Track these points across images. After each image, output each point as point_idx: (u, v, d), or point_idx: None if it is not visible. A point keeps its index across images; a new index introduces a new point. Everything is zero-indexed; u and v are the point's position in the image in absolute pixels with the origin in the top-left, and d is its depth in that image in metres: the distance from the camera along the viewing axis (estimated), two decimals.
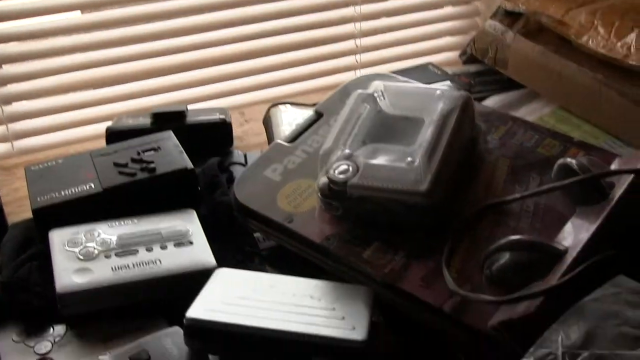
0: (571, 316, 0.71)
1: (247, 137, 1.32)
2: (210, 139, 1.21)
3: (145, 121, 1.21)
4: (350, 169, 0.89)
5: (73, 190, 0.99)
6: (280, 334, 0.76)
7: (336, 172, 0.90)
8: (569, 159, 0.90)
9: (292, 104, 1.31)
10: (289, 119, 1.24)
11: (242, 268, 0.90)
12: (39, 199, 0.99)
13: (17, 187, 1.20)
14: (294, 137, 1.05)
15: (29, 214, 1.00)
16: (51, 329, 0.88)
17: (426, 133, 0.93)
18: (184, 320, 0.78)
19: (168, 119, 1.21)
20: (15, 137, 1.50)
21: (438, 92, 1.00)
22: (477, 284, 0.83)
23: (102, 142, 1.20)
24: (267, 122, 1.28)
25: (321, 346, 0.76)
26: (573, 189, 0.88)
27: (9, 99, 1.50)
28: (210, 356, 0.82)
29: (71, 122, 1.53)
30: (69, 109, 1.54)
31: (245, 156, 1.20)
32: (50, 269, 0.90)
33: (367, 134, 0.95)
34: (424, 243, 0.87)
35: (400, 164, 0.89)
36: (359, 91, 1.03)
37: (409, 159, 0.89)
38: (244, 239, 0.99)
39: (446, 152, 0.90)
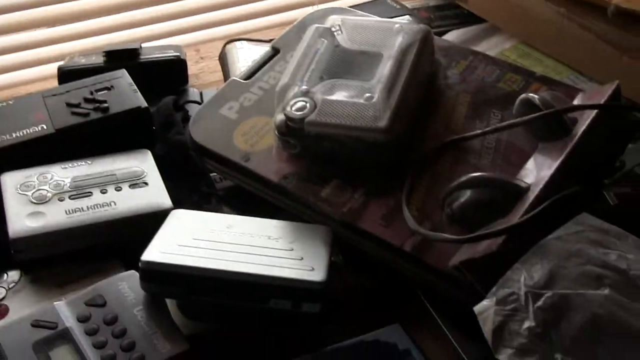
0: (534, 255, 0.71)
1: (202, 75, 1.30)
2: (164, 77, 1.18)
3: (98, 60, 1.18)
4: (308, 105, 0.88)
5: (24, 132, 0.96)
6: (237, 275, 0.75)
7: (293, 109, 0.88)
8: (531, 94, 0.89)
9: (248, 40, 1.28)
10: (245, 56, 1.22)
11: (199, 209, 0.88)
12: None
13: None
14: (250, 74, 1.02)
15: None
16: (5, 275, 0.86)
17: (385, 68, 0.91)
18: (139, 264, 0.77)
19: (121, 57, 1.17)
20: None
21: (397, 26, 0.98)
22: (437, 223, 0.82)
23: (55, 83, 1.16)
24: (223, 60, 1.25)
25: (280, 288, 0.75)
26: (535, 125, 0.88)
27: None
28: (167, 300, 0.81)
29: (21, 63, 1.49)
30: (18, 49, 1.50)
31: (201, 94, 1.17)
32: (3, 213, 0.88)
33: (325, 69, 0.93)
34: (384, 181, 0.86)
35: (358, 100, 0.88)
36: (316, 26, 1.01)
37: (368, 94, 0.88)
38: (200, 179, 0.97)
39: (405, 88, 0.89)
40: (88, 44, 1.52)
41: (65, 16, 1.52)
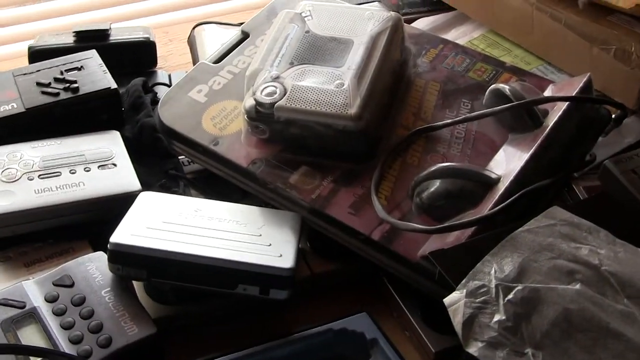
0: (504, 248, 0.71)
1: (171, 57, 1.30)
2: (133, 58, 1.18)
3: (68, 40, 1.17)
4: (278, 90, 0.88)
5: None
6: (205, 260, 0.75)
7: (263, 93, 0.88)
8: (501, 85, 0.90)
9: (217, 23, 1.28)
10: (214, 40, 1.22)
11: (167, 192, 0.88)
12: None
13: None
14: (220, 58, 1.02)
15: None
16: None
17: (355, 55, 0.91)
18: (108, 245, 0.77)
19: (91, 38, 1.17)
20: None
21: (368, 12, 0.99)
22: (406, 212, 0.83)
23: (24, 62, 1.16)
24: (192, 42, 1.25)
25: (247, 273, 0.75)
26: (505, 116, 0.88)
27: None
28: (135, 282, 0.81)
29: None
30: None
31: (169, 76, 1.17)
32: None
33: (295, 55, 0.93)
34: (353, 169, 0.87)
35: (328, 86, 0.88)
36: (286, 10, 1.01)
37: (338, 81, 0.88)
38: (169, 162, 0.97)
39: (376, 75, 0.89)
40: (57, 23, 1.51)
41: None
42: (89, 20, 1.50)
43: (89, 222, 0.88)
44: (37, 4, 1.52)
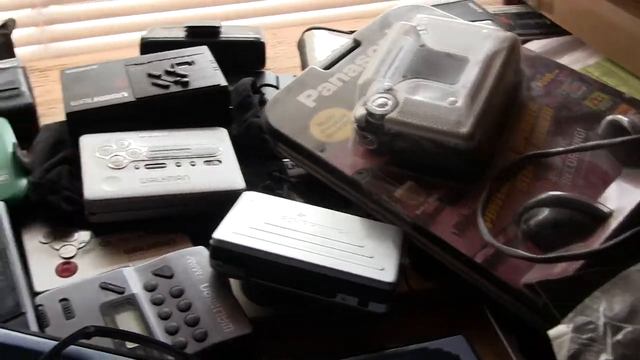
0: (615, 286, 0.68)
1: (279, 59, 1.30)
2: (243, 57, 1.19)
3: (179, 34, 1.19)
4: (390, 102, 0.87)
5: (106, 98, 0.98)
6: (307, 265, 0.75)
7: (374, 104, 0.87)
8: (619, 116, 0.88)
9: (328, 29, 1.28)
10: (324, 45, 1.22)
11: (270, 193, 0.88)
12: (72, 103, 0.97)
13: (50, 89, 1.18)
14: (330, 64, 1.02)
15: (60, 117, 1.00)
16: (76, 234, 0.87)
17: (471, 73, 0.90)
18: (210, 241, 0.77)
19: (202, 34, 1.18)
20: (50, 40, 1.48)
21: (485, 31, 0.98)
22: (512, 238, 0.81)
23: (132, 51, 1.17)
24: (302, 46, 1.25)
25: (348, 283, 0.74)
26: (621, 149, 0.86)
27: (47, 2, 1.47)
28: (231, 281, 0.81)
29: (104, 29, 1.50)
30: (102, 15, 1.51)
31: (277, 78, 1.17)
32: (79, 174, 0.89)
33: (409, 68, 0.92)
34: (459, 188, 0.86)
35: (441, 102, 0.87)
36: (402, 22, 1.00)
37: (451, 98, 0.87)
38: (273, 164, 0.97)
39: (490, 95, 0.88)
40: (167, 17, 1.53)
41: None
42: (199, 16, 1.52)
43: (190, 215, 0.88)
44: None
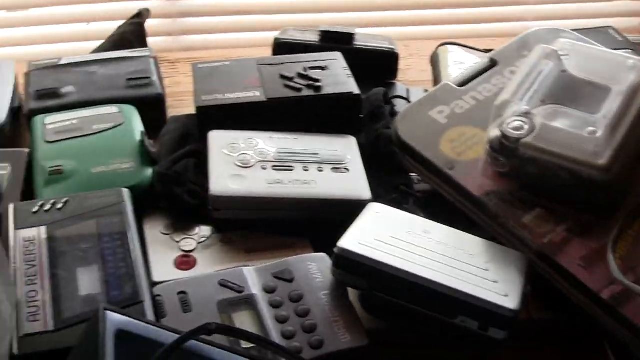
0: None
1: (410, 72, 1.28)
2: (375, 67, 1.17)
3: (313, 37, 1.19)
4: (526, 126, 0.85)
5: (237, 95, 0.98)
6: (432, 284, 0.73)
7: (510, 127, 0.85)
8: None
9: (463, 46, 1.26)
10: (457, 61, 1.20)
11: (396, 207, 0.87)
12: (203, 97, 0.98)
13: (178, 81, 1.20)
14: (465, 82, 1.00)
15: (188, 109, 1.01)
16: (197, 228, 0.88)
17: (613, 104, 0.87)
18: (335, 249, 0.77)
19: (336, 39, 1.18)
20: (181, 32, 1.50)
21: (631, 61, 0.95)
22: None
23: (261, 51, 1.18)
24: (435, 61, 1.24)
25: (470, 306, 0.73)
26: None
27: None
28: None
29: (235, 26, 1.52)
30: (234, 12, 1.53)
31: (407, 91, 1.16)
32: (206, 169, 0.89)
33: (548, 93, 0.90)
34: (590, 220, 0.83)
35: (580, 131, 0.84)
36: (543, 46, 0.97)
37: (591, 128, 0.84)
38: (400, 177, 0.96)
39: (631, 128, 0.85)
40: (299, 19, 1.54)
41: None
42: (332, 21, 1.52)
43: (313, 221, 0.88)
44: None
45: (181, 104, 1.11)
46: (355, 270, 0.76)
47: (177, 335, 0.62)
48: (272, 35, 1.20)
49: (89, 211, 0.85)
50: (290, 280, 0.78)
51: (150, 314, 0.74)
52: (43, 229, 0.83)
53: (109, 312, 0.61)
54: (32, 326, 0.72)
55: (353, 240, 0.77)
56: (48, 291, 0.76)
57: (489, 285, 0.75)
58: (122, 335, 0.60)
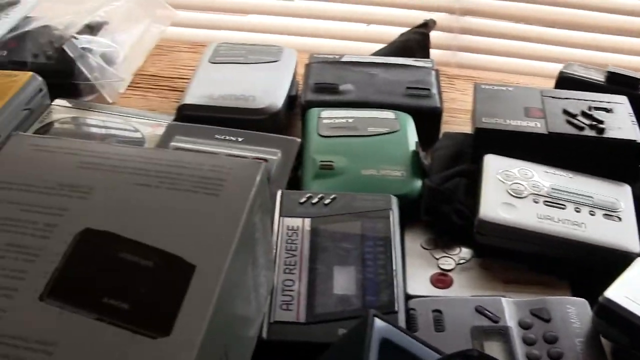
0: None
1: None
2: None
3: (598, 76, 1.16)
4: None
5: (518, 123, 0.97)
6: None
7: None
8: None
9: None
10: None
11: None
12: (484, 119, 0.98)
13: (454, 97, 1.20)
14: None
15: (460, 127, 1.03)
16: (458, 249, 0.87)
17: None
18: (600, 299, 0.74)
19: (622, 83, 1.14)
20: (460, 48, 1.51)
21: None
22: None
23: (539, 81, 1.16)
24: None
25: None
26: None
27: (465, 12, 1.50)
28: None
29: (516, 51, 1.51)
30: (516, 38, 1.52)
31: None
32: (476, 191, 0.89)
33: None
34: None
35: None
36: None
37: None
38: None
39: None
40: (581, 55, 1.51)
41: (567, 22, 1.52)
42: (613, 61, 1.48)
43: (573, 263, 0.85)
44: (569, 31, 1.52)
45: (454, 120, 1.12)
46: (617, 323, 0.73)
47: (438, 355, 0.62)
48: (550, 66, 1.19)
49: (355, 212, 0.86)
50: (548, 320, 0.76)
51: (402, 326, 0.74)
52: (308, 221, 0.85)
53: (377, 319, 0.62)
54: (284, 314, 0.74)
55: (620, 292, 0.75)
56: (305, 283, 0.78)
57: None
58: (386, 344, 0.61)
